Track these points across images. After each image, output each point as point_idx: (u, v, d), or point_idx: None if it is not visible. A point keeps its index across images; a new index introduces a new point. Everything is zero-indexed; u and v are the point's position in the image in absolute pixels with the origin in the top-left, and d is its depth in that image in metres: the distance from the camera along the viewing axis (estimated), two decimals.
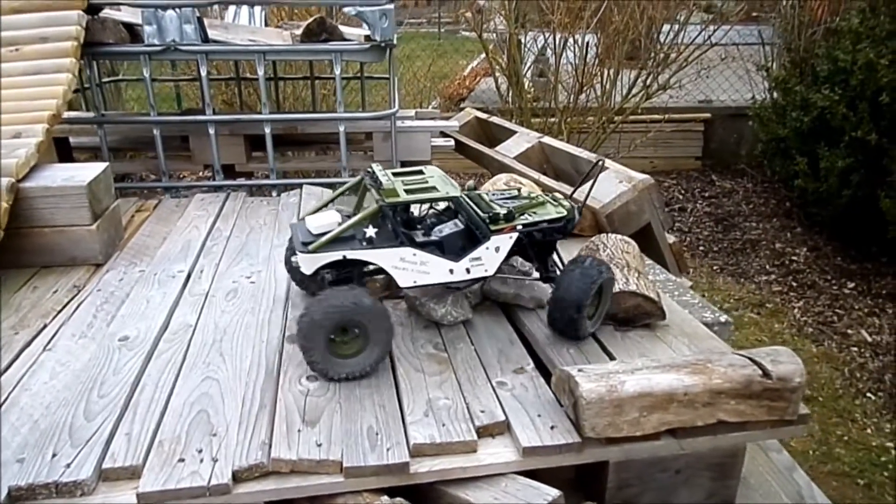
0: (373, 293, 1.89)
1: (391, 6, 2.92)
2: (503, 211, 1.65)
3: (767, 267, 4.49)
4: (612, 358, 1.61)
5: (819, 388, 3.20)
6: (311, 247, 1.51)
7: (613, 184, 2.45)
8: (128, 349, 1.60)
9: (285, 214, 2.58)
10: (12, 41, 2.60)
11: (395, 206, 1.56)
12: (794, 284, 4.23)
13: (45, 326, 1.72)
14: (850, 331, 3.68)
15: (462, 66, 8.61)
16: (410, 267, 1.57)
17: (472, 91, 7.28)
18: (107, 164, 2.27)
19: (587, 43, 4.93)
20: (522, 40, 5.49)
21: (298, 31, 3.20)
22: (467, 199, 1.70)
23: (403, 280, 1.58)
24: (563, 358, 1.61)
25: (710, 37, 4.91)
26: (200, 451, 1.26)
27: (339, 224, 1.55)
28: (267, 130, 3.03)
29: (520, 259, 2.06)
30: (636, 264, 1.93)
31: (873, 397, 3.11)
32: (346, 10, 3.07)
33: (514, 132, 3.45)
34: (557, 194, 1.90)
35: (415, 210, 1.80)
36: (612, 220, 2.38)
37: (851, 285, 4.12)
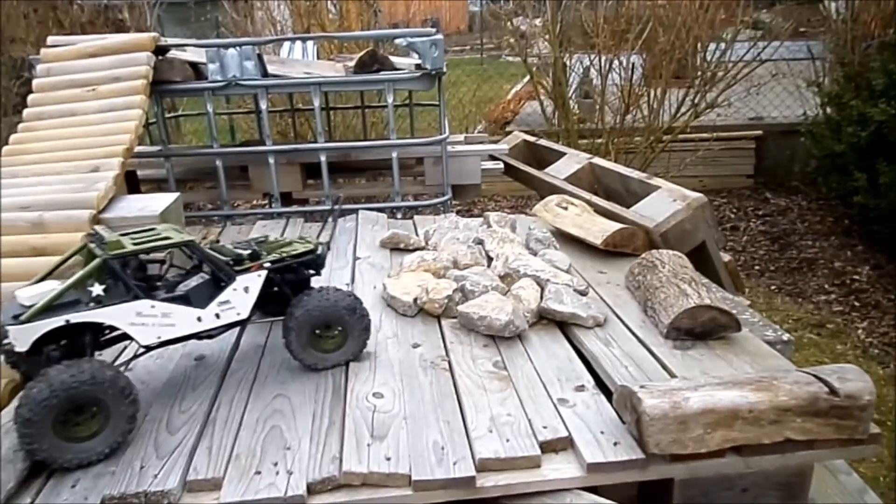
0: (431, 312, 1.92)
1: (440, 36, 3.02)
2: (247, 252, 1.58)
3: (827, 286, 4.36)
4: (672, 376, 1.62)
5: (887, 411, 3.08)
6: (23, 316, 1.31)
7: (667, 202, 2.46)
8: (203, 368, 1.69)
9: (343, 238, 2.67)
10: (89, 82, 2.80)
11: (121, 257, 1.40)
12: (857, 304, 4.09)
13: (124, 349, 1.82)
14: None
15: (506, 90, 8.70)
16: (151, 321, 1.42)
17: (517, 114, 7.35)
18: (178, 194, 2.40)
19: (632, 63, 4.95)
20: (567, 63, 5.54)
21: (351, 63, 3.33)
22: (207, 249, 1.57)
23: (145, 337, 1.43)
24: (622, 376, 1.62)
25: (759, 54, 4.86)
26: (276, 465, 1.32)
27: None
28: (322, 158, 3.15)
29: (575, 279, 2.09)
30: (698, 278, 1.94)
31: None
32: (397, 41, 3.18)
33: (564, 154, 3.49)
34: (306, 235, 1.79)
35: (155, 270, 1.63)
36: (667, 240, 2.38)
37: None
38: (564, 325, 1.90)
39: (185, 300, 1.49)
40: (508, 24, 6.44)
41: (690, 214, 2.41)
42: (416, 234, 2.66)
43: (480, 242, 2.36)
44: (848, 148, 4.47)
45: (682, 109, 5.03)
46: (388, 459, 1.32)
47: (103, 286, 1.39)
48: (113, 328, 1.44)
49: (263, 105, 3.09)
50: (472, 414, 1.47)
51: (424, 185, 3.51)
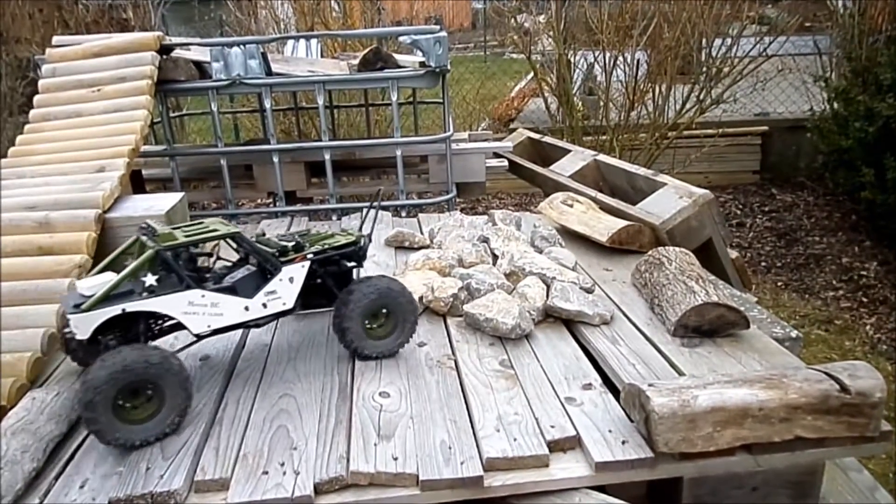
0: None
1: (444, 34, 3.01)
2: (291, 243, 1.62)
3: (834, 282, 4.33)
4: (680, 374, 1.61)
5: None
6: (84, 305, 1.36)
7: (673, 199, 2.44)
8: (209, 368, 1.69)
9: None
10: (94, 82, 2.80)
11: (174, 248, 1.45)
12: (865, 300, 4.07)
13: None
14: None
15: (509, 87, 8.67)
16: (201, 310, 1.47)
17: (521, 112, 7.33)
18: (183, 193, 2.40)
19: (637, 60, 4.92)
20: (571, 60, 5.52)
21: (355, 61, 3.33)
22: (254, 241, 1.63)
23: (196, 326, 1.48)
24: (629, 374, 1.61)
25: (765, 49, 4.82)
26: (283, 465, 1.32)
27: None
28: (327, 157, 3.14)
29: (581, 277, 2.08)
30: (705, 275, 1.93)
31: None
32: (401, 39, 3.17)
33: (569, 151, 3.47)
34: (347, 227, 1.83)
35: (204, 262, 1.68)
36: (674, 236, 2.36)
37: None
38: (571, 324, 1.89)
39: (232, 290, 1.53)
40: (512, 21, 6.42)
41: (697, 211, 2.39)
42: (421, 233, 2.65)
43: (485, 240, 2.35)
44: (855, 143, 4.44)
45: (688, 106, 5.00)
46: (396, 459, 1.32)
47: (156, 276, 1.44)
48: (165, 318, 1.49)
49: (267, 104, 3.09)
50: (478, 413, 1.47)
51: (429, 183, 3.50)
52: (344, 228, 1.80)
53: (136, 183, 3.59)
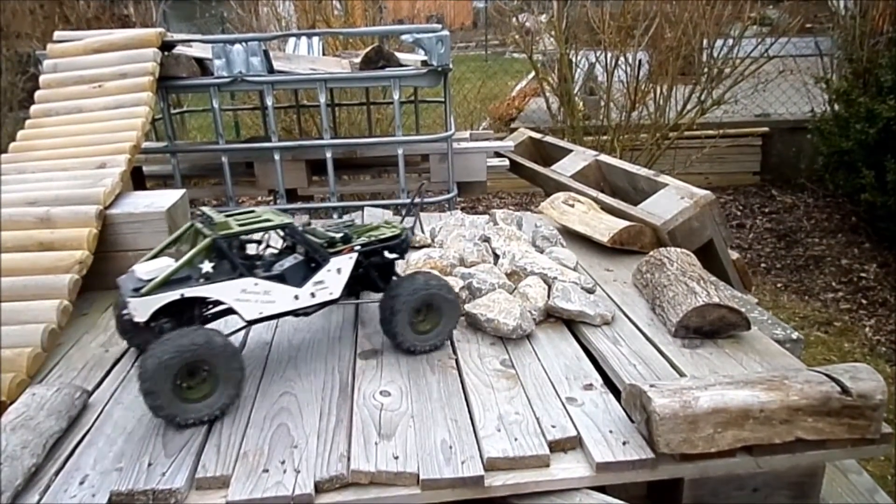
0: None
1: (446, 33, 3.01)
2: (339, 235, 1.66)
3: (834, 284, 4.34)
4: (681, 375, 1.61)
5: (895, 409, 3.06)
6: (143, 290, 1.40)
7: (674, 200, 2.44)
8: None
9: None
10: (95, 78, 2.80)
11: (229, 237, 1.50)
12: (864, 302, 4.07)
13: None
14: None
15: (510, 86, 8.67)
16: (254, 297, 1.51)
17: (522, 111, 7.32)
18: (184, 190, 2.40)
19: (639, 60, 4.92)
20: (573, 60, 5.52)
21: (357, 60, 3.32)
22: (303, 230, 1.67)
23: (248, 312, 1.52)
24: (630, 375, 1.61)
25: (766, 50, 4.82)
26: (283, 463, 1.31)
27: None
28: (328, 155, 3.14)
29: (583, 277, 2.08)
30: (706, 276, 1.93)
31: None
32: (403, 38, 3.17)
33: (570, 151, 3.47)
34: (390, 218, 1.90)
35: (252, 249, 1.72)
36: (675, 237, 2.36)
37: None
38: (572, 324, 1.89)
39: (282, 279, 1.57)
40: (513, 20, 6.42)
41: (698, 212, 2.39)
42: (422, 232, 2.64)
43: (487, 240, 2.35)
44: (856, 145, 4.44)
45: (689, 106, 5.00)
46: (396, 458, 1.32)
47: (212, 264, 1.48)
48: (216, 304, 1.53)
49: (269, 101, 3.09)
50: (479, 412, 1.47)
51: (430, 181, 3.50)
52: (388, 221, 1.83)
53: (137, 179, 3.59)
